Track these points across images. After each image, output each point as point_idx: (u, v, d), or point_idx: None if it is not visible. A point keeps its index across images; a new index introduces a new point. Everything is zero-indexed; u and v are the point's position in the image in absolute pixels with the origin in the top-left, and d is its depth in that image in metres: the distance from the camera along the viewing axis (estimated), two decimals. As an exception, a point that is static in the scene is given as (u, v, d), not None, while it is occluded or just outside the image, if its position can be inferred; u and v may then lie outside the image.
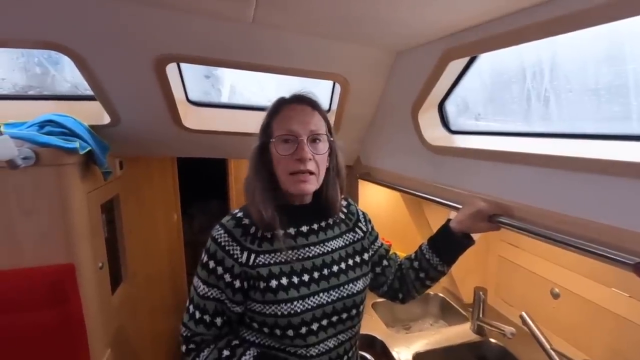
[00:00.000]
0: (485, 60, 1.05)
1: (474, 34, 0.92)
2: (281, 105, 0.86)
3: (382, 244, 1.05)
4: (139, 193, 2.04)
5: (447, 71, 1.07)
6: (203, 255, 0.83)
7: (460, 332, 1.47)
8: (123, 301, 1.70)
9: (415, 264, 1.00)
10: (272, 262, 0.81)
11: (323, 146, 0.85)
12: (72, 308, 1.23)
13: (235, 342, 0.84)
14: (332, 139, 0.88)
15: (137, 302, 1.92)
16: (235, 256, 0.80)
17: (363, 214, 1.03)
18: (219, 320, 0.82)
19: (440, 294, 1.79)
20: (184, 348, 0.84)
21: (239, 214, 0.86)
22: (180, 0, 0.93)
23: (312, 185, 0.83)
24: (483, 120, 1.20)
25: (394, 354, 1.34)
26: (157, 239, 2.38)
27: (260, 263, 0.80)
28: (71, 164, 1.20)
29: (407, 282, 1.01)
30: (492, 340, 1.40)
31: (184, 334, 0.84)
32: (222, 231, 0.83)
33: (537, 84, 0.95)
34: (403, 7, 0.87)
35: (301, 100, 0.86)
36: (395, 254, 1.08)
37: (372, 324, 1.51)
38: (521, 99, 1.02)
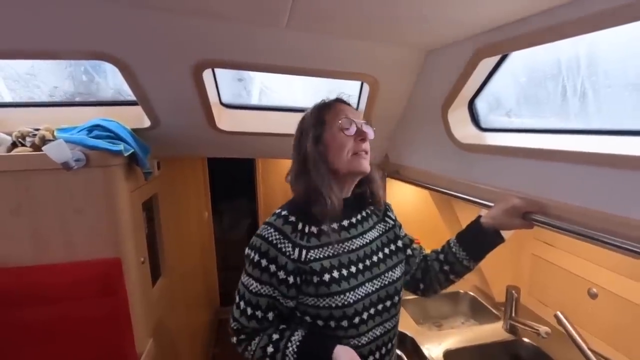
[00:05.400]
0: (519, 56, 1.04)
1: (507, 31, 0.91)
2: (329, 103, 0.92)
3: (405, 234, 1.08)
4: (173, 192, 2.12)
5: (479, 69, 1.07)
6: (252, 255, 0.85)
7: (492, 331, 1.46)
8: (162, 295, 1.79)
9: (441, 256, 1.01)
10: (322, 256, 0.85)
11: (371, 132, 0.91)
12: (119, 299, 1.31)
13: (283, 326, 0.87)
14: None
15: (173, 296, 2.01)
16: (288, 253, 0.83)
17: (388, 204, 1.07)
18: (270, 315, 0.86)
19: (471, 293, 1.78)
20: (234, 339, 0.89)
21: (284, 212, 0.88)
22: (219, 9, 0.98)
23: (369, 164, 0.90)
24: (515, 117, 1.19)
25: (425, 350, 1.35)
26: (191, 236, 2.47)
27: (312, 258, 0.84)
28: (117, 165, 1.29)
29: (430, 274, 1.03)
30: (526, 339, 1.38)
31: (235, 327, 0.88)
32: (272, 230, 0.85)
33: (574, 80, 0.94)
34: (434, 7, 0.88)
35: (344, 102, 0.94)
36: (420, 245, 1.10)
37: (402, 321, 1.50)
38: (556, 95, 1.01)
